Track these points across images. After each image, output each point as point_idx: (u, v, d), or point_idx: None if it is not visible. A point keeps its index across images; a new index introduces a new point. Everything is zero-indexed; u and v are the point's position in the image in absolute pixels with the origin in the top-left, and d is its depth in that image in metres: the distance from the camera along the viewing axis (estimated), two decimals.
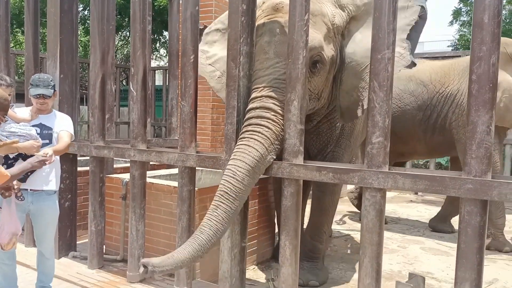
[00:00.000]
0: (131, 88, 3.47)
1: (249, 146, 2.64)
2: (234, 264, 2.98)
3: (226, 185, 2.57)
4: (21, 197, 2.82)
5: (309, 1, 2.62)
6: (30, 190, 2.87)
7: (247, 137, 2.68)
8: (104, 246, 4.07)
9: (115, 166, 4.96)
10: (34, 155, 2.67)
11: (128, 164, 4.38)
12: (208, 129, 5.48)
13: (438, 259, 4.79)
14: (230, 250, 2.95)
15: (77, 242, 4.31)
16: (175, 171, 4.61)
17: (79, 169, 4.37)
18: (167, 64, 5.90)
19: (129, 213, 3.59)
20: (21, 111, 3.00)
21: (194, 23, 3.15)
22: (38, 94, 2.88)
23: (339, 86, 3.22)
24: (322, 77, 3.08)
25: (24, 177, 2.80)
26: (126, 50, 17.54)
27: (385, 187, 2.34)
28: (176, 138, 5.49)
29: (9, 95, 2.93)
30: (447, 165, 10.13)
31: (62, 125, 3.01)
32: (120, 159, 4.24)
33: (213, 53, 3.59)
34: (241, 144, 2.68)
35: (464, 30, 14.11)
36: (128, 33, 15.58)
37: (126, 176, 4.12)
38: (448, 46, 15.56)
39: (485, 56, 2.04)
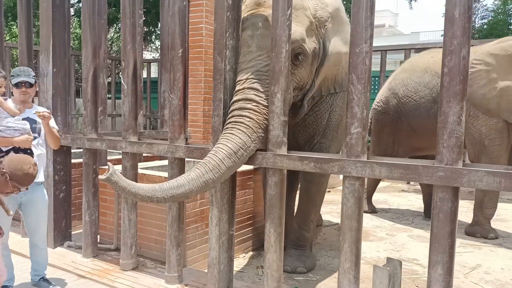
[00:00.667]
0: (122, 82, 3.56)
1: (232, 134, 2.74)
2: (222, 251, 3.10)
3: (206, 159, 2.70)
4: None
5: None
6: None
7: (230, 127, 2.79)
8: (98, 235, 4.18)
9: (109, 158, 5.05)
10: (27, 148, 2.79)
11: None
12: (200, 121, 5.57)
13: (424, 246, 4.92)
14: (218, 238, 3.06)
15: (72, 232, 4.42)
16: (166, 162, 4.71)
17: (73, 161, 4.47)
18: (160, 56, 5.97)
19: (122, 203, 3.69)
20: (9, 104, 3.09)
21: (182, 17, 3.24)
22: (21, 82, 3.00)
23: (315, 81, 3.32)
24: (305, 69, 3.17)
25: None
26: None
27: (363, 175, 2.45)
28: (167, 130, 5.58)
29: (4, 87, 3.03)
30: None
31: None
32: (113, 151, 4.33)
33: None
34: (224, 133, 2.80)
35: None
36: None
37: (119, 168, 4.23)
38: (442, 36, 15.68)
39: (456, 50, 2.13)
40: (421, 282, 3.85)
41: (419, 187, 8.63)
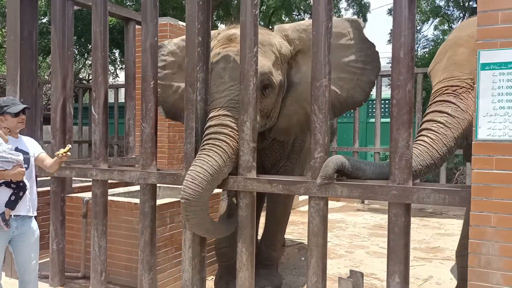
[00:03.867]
0: (93, 112, 3.68)
1: (208, 156, 2.94)
2: (195, 273, 3.24)
3: (186, 191, 2.86)
4: (9, 224, 2.83)
5: (257, 35, 2.98)
6: (15, 216, 2.88)
7: (207, 149, 2.98)
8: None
9: (74, 185, 5.07)
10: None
11: (86, 184, 4.50)
12: (165, 147, 5.71)
13: (381, 261, 5.25)
14: (191, 260, 3.21)
15: None
16: (133, 188, 4.81)
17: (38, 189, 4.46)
18: (121, 83, 6.10)
19: (91, 231, 3.76)
20: None
21: (154, 52, 3.44)
22: (23, 108, 2.97)
23: (281, 110, 3.58)
24: (272, 99, 3.45)
25: (14, 204, 2.85)
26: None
27: (327, 195, 2.71)
28: (134, 157, 5.68)
29: None
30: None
31: (36, 148, 3.15)
32: (80, 179, 4.38)
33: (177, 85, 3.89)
34: (201, 155, 2.98)
35: None
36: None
37: (85, 195, 4.29)
38: (388, 63, 16.68)
39: (402, 85, 2.47)
40: None
41: (373, 206, 9.10)
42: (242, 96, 2.99)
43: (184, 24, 6.11)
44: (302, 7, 19.16)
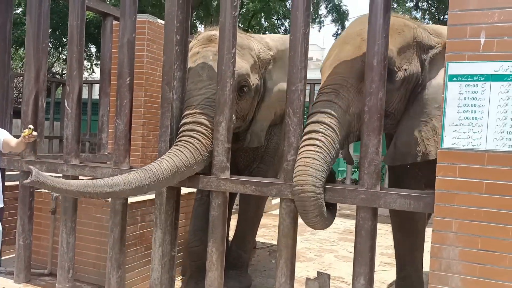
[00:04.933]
0: (66, 106, 3.64)
1: (180, 151, 2.94)
2: (164, 272, 3.23)
3: (148, 166, 2.86)
4: None
5: (236, 37, 3.01)
6: None
7: (179, 144, 2.99)
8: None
9: None
10: None
11: None
12: (138, 145, 5.65)
13: (349, 265, 5.33)
14: (161, 259, 3.20)
15: (1, 258, 4.29)
16: None
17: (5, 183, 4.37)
18: (97, 79, 6.03)
19: (60, 227, 3.70)
20: None
21: (131, 48, 3.42)
22: None
23: (255, 114, 3.64)
24: (248, 101, 3.49)
25: None
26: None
27: None
28: (106, 154, 5.62)
29: None
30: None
31: (1, 133, 3.19)
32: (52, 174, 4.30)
33: None
34: (172, 149, 2.98)
35: None
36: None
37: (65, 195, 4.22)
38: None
39: (374, 92, 2.54)
40: None
41: (344, 211, 9.23)
42: (219, 96, 3.01)
43: (162, 22, 6.11)
44: (281, 12, 19.34)
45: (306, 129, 2.67)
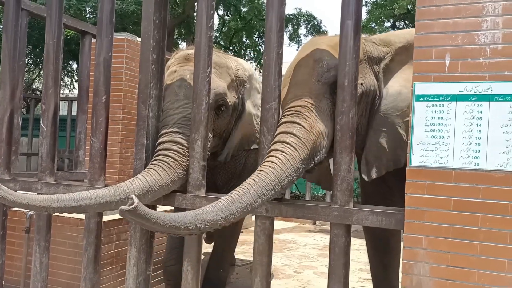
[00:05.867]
0: (42, 124, 3.60)
1: (154, 170, 2.93)
2: None
3: (120, 184, 2.82)
4: None
5: (211, 56, 3.05)
6: None
7: (154, 164, 2.98)
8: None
9: None
10: None
11: None
12: (116, 162, 5.62)
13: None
14: (136, 278, 3.16)
15: None
16: None
17: None
18: (77, 96, 5.97)
19: (33, 246, 3.63)
20: None
21: (107, 67, 3.43)
22: None
23: (233, 131, 3.67)
24: (225, 120, 3.52)
25: None
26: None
27: (273, 215, 2.78)
28: (83, 171, 5.56)
29: None
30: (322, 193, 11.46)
31: None
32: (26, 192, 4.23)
33: None
34: (147, 168, 2.97)
35: None
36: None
37: (26, 210, 4.15)
38: None
39: (346, 111, 2.60)
40: None
41: (325, 227, 9.27)
42: (194, 114, 3.03)
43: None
44: (262, 30, 19.60)
45: (270, 148, 2.69)
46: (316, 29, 18.65)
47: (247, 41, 19.59)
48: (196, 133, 3.03)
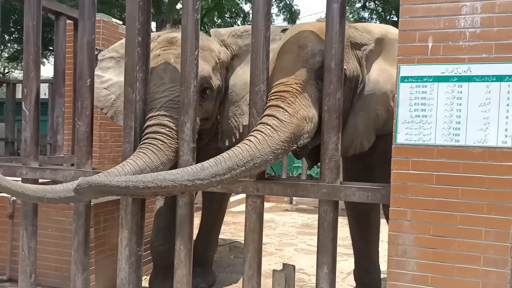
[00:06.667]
0: (24, 108, 3.56)
1: (143, 153, 2.97)
2: (131, 272, 3.25)
3: (111, 169, 2.85)
4: None
5: (198, 39, 3.09)
6: None
7: (143, 147, 3.03)
8: None
9: None
10: None
11: None
12: (96, 146, 5.56)
13: (308, 257, 5.56)
14: (128, 259, 3.22)
15: None
16: None
17: None
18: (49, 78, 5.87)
19: (20, 231, 3.62)
20: None
21: (91, 49, 3.40)
22: None
23: (222, 113, 3.71)
24: (211, 102, 3.57)
25: None
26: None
27: (263, 193, 2.89)
28: (62, 156, 5.50)
29: None
30: (317, 176, 11.51)
31: None
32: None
33: (108, 77, 3.86)
34: (136, 152, 3.01)
35: None
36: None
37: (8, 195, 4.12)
38: None
39: (333, 93, 2.70)
40: None
41: (301, 206, 9.50)
42: (183, 97, 3.08)
43: (117, 21, 6.05)
44: (234, 10, 19.45)
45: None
46: (288, 8, 18.65)
47: (219, 20, 19.42)
48: (185, 115, 3.07)
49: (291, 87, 2.83)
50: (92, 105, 3.45)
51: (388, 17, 17.89)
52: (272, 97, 2.85)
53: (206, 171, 2.54)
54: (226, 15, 19.65)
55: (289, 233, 6.99)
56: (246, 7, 19.39)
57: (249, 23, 19.82)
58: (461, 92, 2.32)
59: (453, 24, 2.32)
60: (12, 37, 18.35)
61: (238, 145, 2.66)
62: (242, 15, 19.71)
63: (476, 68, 2.29)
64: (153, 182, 2.47)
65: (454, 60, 2.32)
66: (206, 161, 2.62)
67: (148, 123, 3.18)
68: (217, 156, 2.63)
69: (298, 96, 2.81)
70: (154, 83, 3.33)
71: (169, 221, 3.92)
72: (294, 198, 9.60)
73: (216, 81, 3.54)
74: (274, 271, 2.77)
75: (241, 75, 3.67)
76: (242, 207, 9.08)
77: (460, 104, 2.32)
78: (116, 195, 2.93)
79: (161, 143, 3.07)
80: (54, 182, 4.64)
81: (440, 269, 2.32)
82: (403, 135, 2.39)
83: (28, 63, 3.57)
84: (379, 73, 3.12)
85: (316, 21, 3.30)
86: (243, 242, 5.47)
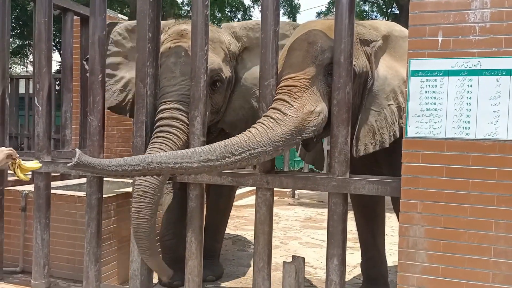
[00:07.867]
0: (37, 103, 3.61)
1: (160, 149, 3.03)
2: (143, 263, 3.31)
3: (144, 184, 2.92)
4: None
5: (208, 35, 3.12)
6: None
7: (159, 142, 3.07)
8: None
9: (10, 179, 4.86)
10: None
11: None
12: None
13: (313, 251, 5.61)
14: None
15: None
16: (71, 182, 4.74)
17: None
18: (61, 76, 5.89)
19: (34, 224, 3.68)
20: None
21: (102, 46, 3.44)
22: None
23: (228, 104, 3.72)
24: (221, 94, 3.60)
25: None
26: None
27: (274, 186, 2.93)
28: (70, 150, 5.55)
29: None
30: (318, 171, 11.54)
31: None
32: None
33: (121, 76, 3.86)
34: (152, 148, 3.06)
35: None
36: None
37: (23, 188, 4.18)
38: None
39: (342, 87, 2.74)
40: (314, 281, 4.46)
41: (303, 200, 9.55)
42: (193, 92, 3.12)
43: (123, 17, 6.08)
44: (234, 4, 19.42)
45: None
46: (288, 2, 18.62)
47: (219, 15, 19.40)
48: (196, 110, 3.12)
49: (300, 82, 2.85)
50: (104, 100, 3.50)
51: (389, 11, 17.84)
52: (280, 91, 2.89)
53: (197, 156, 2.59)
54: (226, 9, 19.62)
55: (293, 227, 7.03)
56: (247, 1, 19.37)
57: (249, 17, 19.87)
58: (471, 86, 2.35)
59: (463, 18, 2.36)
60: (14, 32, 18.38)
61: (238, 135, 2.71)
62: (242, 9, 19.70)
63: (486, 62, 2.33)
64: (140, 165, 2.55)
65: (464, 54, 2.36)
66: (200, 147, 2.68)
67: (160, 115, 3.23)
68: (214, 143, 2.67)
69: (305, 91, 2.82)
70: (165, 76, 3.37)
71: (178, 216, 3.98)
72: (296, 192, 9.67)
73: (226, 73, 3.57)
74: (284, 262, 2.82)
75: (251, 68, 3.70)
76: (246, 201, 9.22)
77: (470, 98, 2.35)
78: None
79: (176, 137, 3.13)
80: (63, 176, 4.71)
81: (451, 260, 2.36)
82: (413, 129, 2.43)
83: (40, 59, 3.62)
84: (387, 69, 3.15)
85: (325, 19, 3.35)
86: (246, 235, 5.54)
